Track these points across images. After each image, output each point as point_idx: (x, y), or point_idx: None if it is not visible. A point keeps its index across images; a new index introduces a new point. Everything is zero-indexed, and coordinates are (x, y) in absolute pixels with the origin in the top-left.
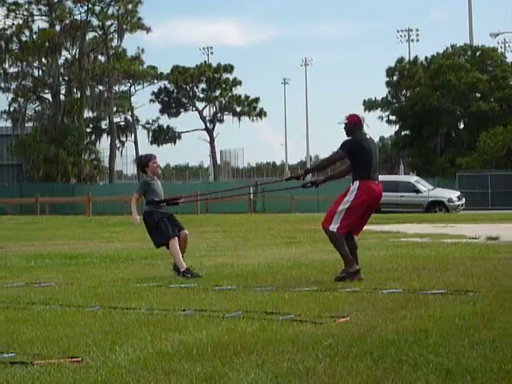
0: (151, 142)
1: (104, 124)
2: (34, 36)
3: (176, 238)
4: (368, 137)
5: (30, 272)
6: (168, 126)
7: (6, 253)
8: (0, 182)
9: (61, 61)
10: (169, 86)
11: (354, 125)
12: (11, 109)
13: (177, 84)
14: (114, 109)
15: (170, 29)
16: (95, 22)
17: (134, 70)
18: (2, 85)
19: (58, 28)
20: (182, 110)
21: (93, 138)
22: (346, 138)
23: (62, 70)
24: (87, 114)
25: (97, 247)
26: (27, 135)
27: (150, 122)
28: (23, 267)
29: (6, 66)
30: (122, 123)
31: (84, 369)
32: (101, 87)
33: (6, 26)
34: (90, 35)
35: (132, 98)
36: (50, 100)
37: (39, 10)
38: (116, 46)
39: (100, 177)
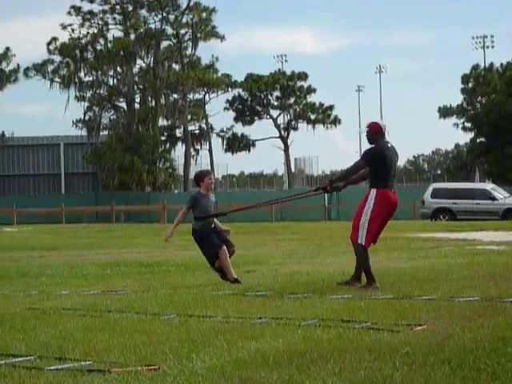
0: (225, 150)
1: (178, 132)
2: (109, 45)
3: (225, 248)
4: (389, 145)
5: (106, 280)
6: (242, 134)
7: (82, 261)
8: (75, 190)
9: (135, 69)
10: (243, 93)
11: (375, 133)
12: (86, 117)
13: (251, 92)
14: (189, 117)
15: (244, 37)
16: (169, 30)
17: (208, 78)
18: (78, 94)
19: (132, 37)
20: (256, 117)
21: (167, 146)
22: (369, 145)
23: (136, 78)
24: (162, 122)
25: (172, 255)
26: (102, 144)
27: (225, 129)
28: (99, 275)
29: (82, 74)
30: (197, 131)
31: (161, 376)
32: (175, 95)
33: (81, 35)
34: (165, 44)
35: (206, 106)
36: (125, 108)
37: (114, 18)
38: (190, 55)
39: (175, 185)
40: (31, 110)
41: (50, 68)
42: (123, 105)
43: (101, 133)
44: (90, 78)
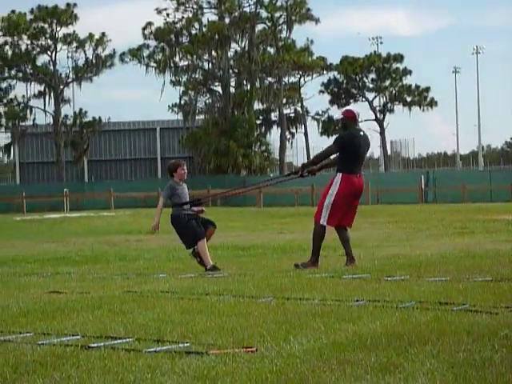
0: (321, 133)
1: (274, 116)
2: (204, 29)
3: (204, 238)
4: (361, 133)
5: None
6: None
7: (179, 244)
8: None
9: (230, 53)
10: (338, 76)
11: (349, 120)
12: (182, 102)
13: (346, 74)
14: (284, 100)
15: (339, 19)
16: (264, 13)
17: (303, 61)
18: (173, 78)
19: (227, 20)
20: (351, 100)
21: (263, 129)
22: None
23: (231, 62)
24: (257, 105)
25: (268, 238)
26: (198, 128)
27: (320, 112)
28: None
29: (177, 59)
30: (292, 114)
31: (259, 359)
32: (270, 79)
33: (176, 20)
34: (259, 27)
35: (301, 89)
36: (220, 92)
37: (208, 2)
38: (285, 38)
39: (270, 168)
40: (127, 95)
41: (146, 53)
42: (218, 89)
43: (196, 117)
44: (186, 63)
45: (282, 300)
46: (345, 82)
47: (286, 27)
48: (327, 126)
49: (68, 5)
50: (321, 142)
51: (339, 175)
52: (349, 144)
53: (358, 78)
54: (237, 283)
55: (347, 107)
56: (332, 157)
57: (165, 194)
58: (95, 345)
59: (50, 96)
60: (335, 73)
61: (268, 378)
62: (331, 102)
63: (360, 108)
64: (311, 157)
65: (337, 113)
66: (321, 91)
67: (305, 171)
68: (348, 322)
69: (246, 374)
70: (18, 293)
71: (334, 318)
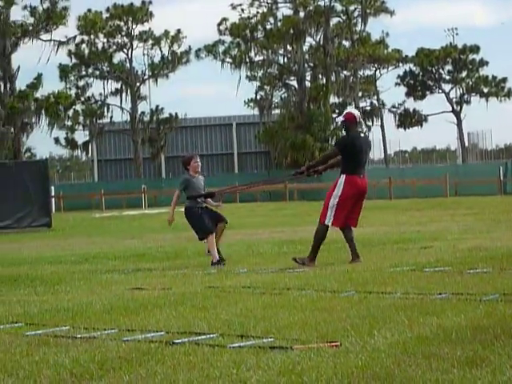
0: (397, 126)
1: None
2: (279, 23)
3: (213, 234)
4: (362, 135)
5: (283, 258)
6: (414, 109)
7: (258, 239)
8: (249, 169)
9: (305, 47)
10: (414, 68)
11: (350, 123)
12: (258, 97)
13: (422, 66)
14: (360, 93)
15: (414, 11)
16: (339, 7)
17: (378, 54)
18: (249, 73)
19: (301, 14)
20: (427, 92)
21: (339, 123)
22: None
23: (306, 56)
24: (333, 99)
25: None
26: (274, 122)
27: (396, 105)
28: (275, 253)
29: (252, 54)
30: (368, 107)
31: (343, 353)
32: (346, 72)
33: (251, 15)
34: (334, 20)
35: (377, 82)
36: (296, 87)
37: None
38: (360, 31)
39: None
40: (203, 91)
41: (221, 48)
42: (294, 83)
43: (272, 111)
44: (261, 58)
45: (364, 294)
46: (421, 73)
47: (360, 20)
48: (404, 119)
49: (143, 2)
50: (397, 135)
51: (343, 177)
52: (349, 146)
53: (434, 70)
54: (318, 277)
55: (348, 110)
56: (337, 158)
57: (179, 187)
58: (179, 341)
59: (126, 93)
60: (411, 65)
61: (353, 373)
62: (407, 95)
63: (437, 100)
64: (387, 149)
65: (414, 105)
66: (397, 84)
67: (310, 171)
68: (432, 316)
69: (332, 368)
70: (101, 289)
71: (418, 311)
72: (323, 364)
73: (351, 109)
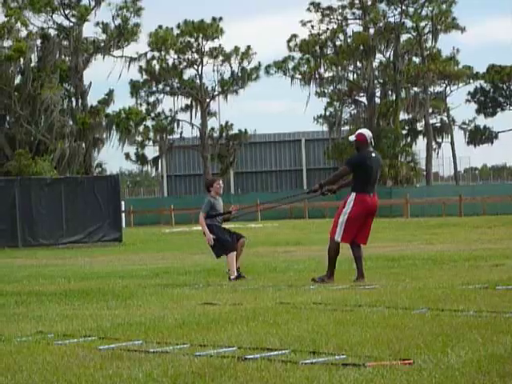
0: (467, 143)
1: (420, 126)
2: (349, 40)
3: (235, 251)
4: (373, 154)
5: (354, 274)
6: (485, 126)
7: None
8: None
9: (375, 63)
10: (485, 85)
11: (361, 143)
12: (327, 113)
13: (493, 83)
14: (430, 110)
15: (485, 27)
16: (409, 23)
17: (449, 70)
18: (318, 89)
19: (371, 31)
20: (498, 109)
21: (408, 139)
22: (354, 152)
23: (376, 72)
24: (403, 115)
25: (417, 249)
26: (343, 139)
27: (467, 122)
28: (346, 270)
29: (322, 70)
30: (438, 124)
31: (416, 371)
32: (416, 89)
33: (321, 31)
34: (404, 37)
35: (447, 99)
36: (366, 103)
37: (353, 13)
38: (430, 47)
39: (417, 179)
40: (272, 107)
41: (291, 65)
42: (363, 99)
43: (341, 128)
44: (330, 74)
45: (437, 311)
46: (492, 90)
47: (431, 36)
48: (474, 136)
49: (214, 19)
50: (467, 152)
51: (353, 195)
52: (360, 165)
53: (505, 87)
54: (389, 294)
55: (360, 130)
56: (350, 179)
57: (204, 209)
58: (251, 356)
59: (196, 109)
60: (482, 81)
61: None
62: (478, 111)
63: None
64: (457, 166)
65: (485, 122)
66: (467, 100)
67: (324, 189)
68: (506, 334)
69: None
70: (172, 304)
71: (491, 329)
72: (396, 381)
73: (363, 129)
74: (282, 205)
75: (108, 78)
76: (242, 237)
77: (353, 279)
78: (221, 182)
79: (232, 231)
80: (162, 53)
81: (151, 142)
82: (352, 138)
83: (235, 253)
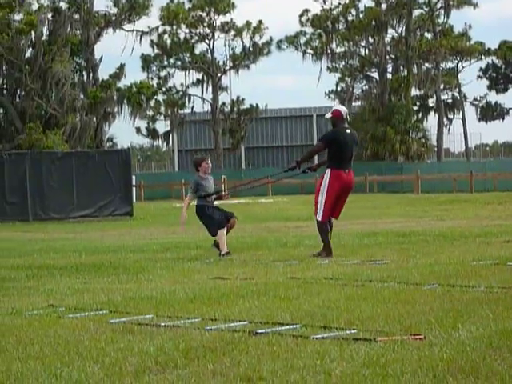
0: (479, 119)
1: (431, 102)
2: (361, 15)
3: (225, 228)
4: (348, 131)
5: (365, 250)
6: (496, 102)
7: (339, 231)
8: None
9: (387, 39)
10: (497, 61)
11: (336, 118)
12: (338, 88)
13: (505, 59)
14: (441, 86)
15: (497, 3)
16: None
17: (461, 46)
18: (330, 65)
19: (384, 6)
20: (510, 85)
21: (420, 115)
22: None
23: (388, 48)
24: (414, 91)
25: (428, 225)
26: (355, 114)
27: (478, 98)
28: (357, 245)
29: (333, 45)
30: (449, 100)
31: (427, 346)
32: (427, 64)
33: (333, 7)
34: (416, 12)
35: (459, 75)
36: (377, 78)
37: None
38: (443, 23)
39: (428, 155)
40: (284, 82)
41: (303, 40)
42: (375, 75)
43: (353, 103)
44: (342, 49)
45: (448, 287)
46: (503, 66)
47: (443, 12)
48: (485, 112)
49: None
50: (479, 128)
51: (328, 171)
52: (334, 141)
53: None
54: (400, 270)
55: (336, 106)
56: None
57: (191, 190)
58: (263, 331)
59: (207, 84)
60: (494, 58)
61: (438, 366)
62: (489, 88)
63: None
64: (468, 143)
65: (496, 98)
66: (479, 76)
67: (305, 168)
68: None
69: (416, 361)
70: (183, 278)
71: (502, 305)
72: (407, 356)
73: (339, 106)
74: (263, 183)
75: (122, 53)
76: (232, 216)
77: (313, 253)
78: (209, 161)
79: (224, 210)
80: (174, 27)
81: (162, 117)
82: (328, 115)
83: (225, 229)
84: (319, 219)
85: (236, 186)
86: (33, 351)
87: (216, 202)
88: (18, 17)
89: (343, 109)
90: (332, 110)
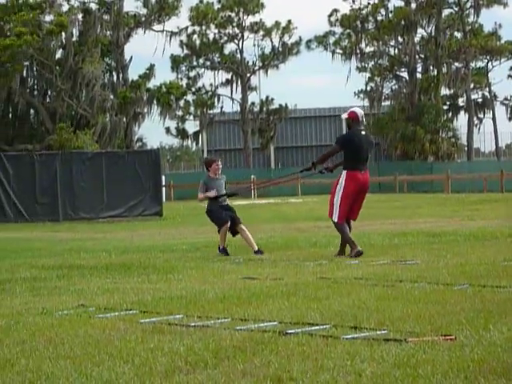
0: (509, 118)
1: (461, 101)
2: (390, 15)
3: (228, 223)
4: (363, 132)
5: (394, 250)
6: None
7: (369, 231)
8: None
9: (417, 38)
10: None
11: (352, 120)
12: (368, 88)
13: None
14: (471, 85)
15: None
16: None
17: (491, 45)
18: (359, 64)
19: (413, 6)
20: None
21: (450, 115)
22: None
23: (418, 47)
24: (444, 91)
25: (458, 225)
26: (384, 114)
27: (508, 97)
28: (387, 245)
29: (363, 45)
30: (480, 100)
31: (458, 347)
32: (457, 64)
33: (362, 6)
34: (446, 12)
35: (489, 74)
36: (407, 78)
37: None
38: (472, 22)
39: (458, 154)
40: (313, 82)
41: (332, 40)
42: (405, 74)
43: (382, 103)
44: (372, 49)
45: (479, 288)
46: None
47: (473, 11)
48: None
49: None
50: (509, 127)
51: (344, 173)
52: (349, 143)
53: None
54: (431, 270)
55: (352, 108)
56: None
57: (200, 191)
58: (293, 331)
59: (237, 84)
60: None
61: (469, 367)
62: None
63: None
64: (498, 142)
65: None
66: (509, 76)
67: (321, 168)
68: None
69: (447, 362)
70: (213, 278)
71: None
72: (438, 357)
73: (355, 108)
74: (278, 183)
75: (153, 54)
76: (239, 222)
77: (334, 255)
78: (219, 162)
79: (233, 211)
80: (203, 27)
81: (192, 117)
82: (344, 115)
83: (227, 225)
84: (335, 220)
85: (246, 188)
86: (63, 351)
87: (228, 202)
88: (48, 18)
89: (359, 111)
90: (348, 111)
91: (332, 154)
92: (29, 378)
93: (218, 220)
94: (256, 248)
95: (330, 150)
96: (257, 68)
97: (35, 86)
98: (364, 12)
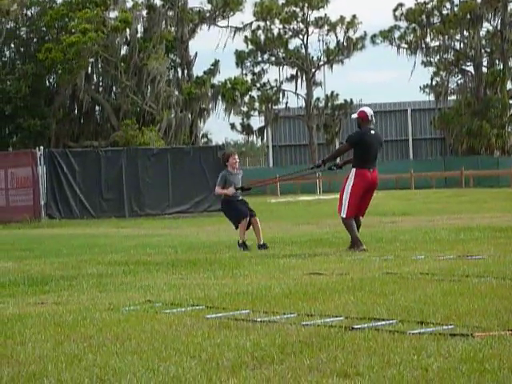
0: None
1: None
2: (455, 9)
3: (247, 217)
4: (373, 131)
5: (461, 244)
6: None
7: (435, 226)
8: (423, 155)
9: (482, 32)
10: None
11: (362, 119)
12: (433, 82)
13: None
14: None
15: None
16: None
17: None
18: (424, 59)
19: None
20: None
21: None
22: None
23: (483, 41)
24: (510, 85)
25: None
26: (450, 108)
27: None
28: (453, 240)
29: (428, 39)
30: None
31: None
32: None
33: (428, 0)
34: (511, 5)
35: None
36: (472, 72)
37: None
38: None
39: None
40: (377, 77)
41: (397, 34)
42: (470, 69)
43: (448, 97)
44: (437, 43)
45: None
46: None
47: None
48: None
49: None
50: None
51: (353, 170)
52: (359, 141)
53: None
54: (497, 265)
55: (362, 108)
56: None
57: (219, 183)
58: (359, 326)
59: (301, 79)
60: None
61: None
62: None
63: None
64: None
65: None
66: None
67: (331, 165)
68: None
69: None
70: (279, 274)
71: None
72: (505, 352)
73: (365, 107)
74: (294, 179)
75: (216, 49)
76: (253, 215)
77: (346, 248)
78: (236, 156)
79: (247, 205)
80: (267, 22)
81: (257, 112)
82: (354, 115)
83: (247, 219)
84: (343, 216)
85: (254, 185)
86: (130, 346)
87: (240, 198)
88: (112, 14)
89: (369, 110)
90: (358, 110)
91: (342, 152)
92: (96, 374)
93: (239, 214)
94: (262, 242)
95: (340, 148)
96: (321, 63)
97: (100, 83)
98: (429, 6)
